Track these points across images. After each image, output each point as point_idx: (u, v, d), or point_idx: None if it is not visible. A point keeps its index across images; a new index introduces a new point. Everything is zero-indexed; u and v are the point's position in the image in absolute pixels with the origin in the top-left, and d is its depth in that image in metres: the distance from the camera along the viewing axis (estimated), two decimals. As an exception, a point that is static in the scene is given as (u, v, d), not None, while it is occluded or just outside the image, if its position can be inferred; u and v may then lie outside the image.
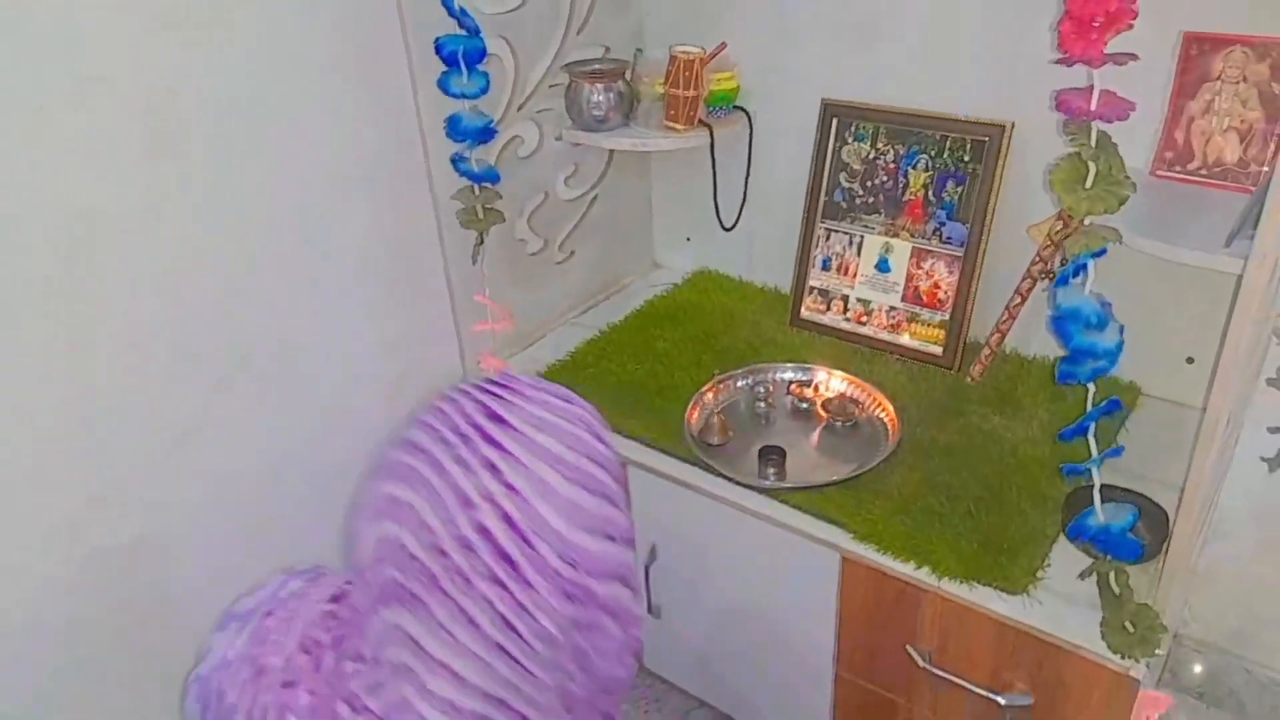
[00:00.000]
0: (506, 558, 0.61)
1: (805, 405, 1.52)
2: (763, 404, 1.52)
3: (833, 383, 1.53)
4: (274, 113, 1.27)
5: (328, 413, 1.45)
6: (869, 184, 1.60)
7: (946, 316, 1.55)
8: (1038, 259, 1.42)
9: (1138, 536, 1.06)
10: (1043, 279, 1.43)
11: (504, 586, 0.61)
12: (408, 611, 0.62)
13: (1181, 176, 1.29)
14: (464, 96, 1.36)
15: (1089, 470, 1.00)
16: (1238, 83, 1.23)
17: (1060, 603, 1.13)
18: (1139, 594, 1.07)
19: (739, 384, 1.56)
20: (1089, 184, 0.87)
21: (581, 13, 1.63)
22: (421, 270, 1.55)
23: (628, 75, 1.65)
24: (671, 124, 1.63)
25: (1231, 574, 1.58)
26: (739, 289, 1.88)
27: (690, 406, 1.49)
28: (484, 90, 1.37)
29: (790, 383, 1.55)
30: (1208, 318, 1.37)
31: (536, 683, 0.64)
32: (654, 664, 1.72)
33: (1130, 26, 0.82)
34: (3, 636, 1.15)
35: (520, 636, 0.62)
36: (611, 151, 1.80)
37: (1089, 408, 0.97)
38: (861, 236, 1.62)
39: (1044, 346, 1.55)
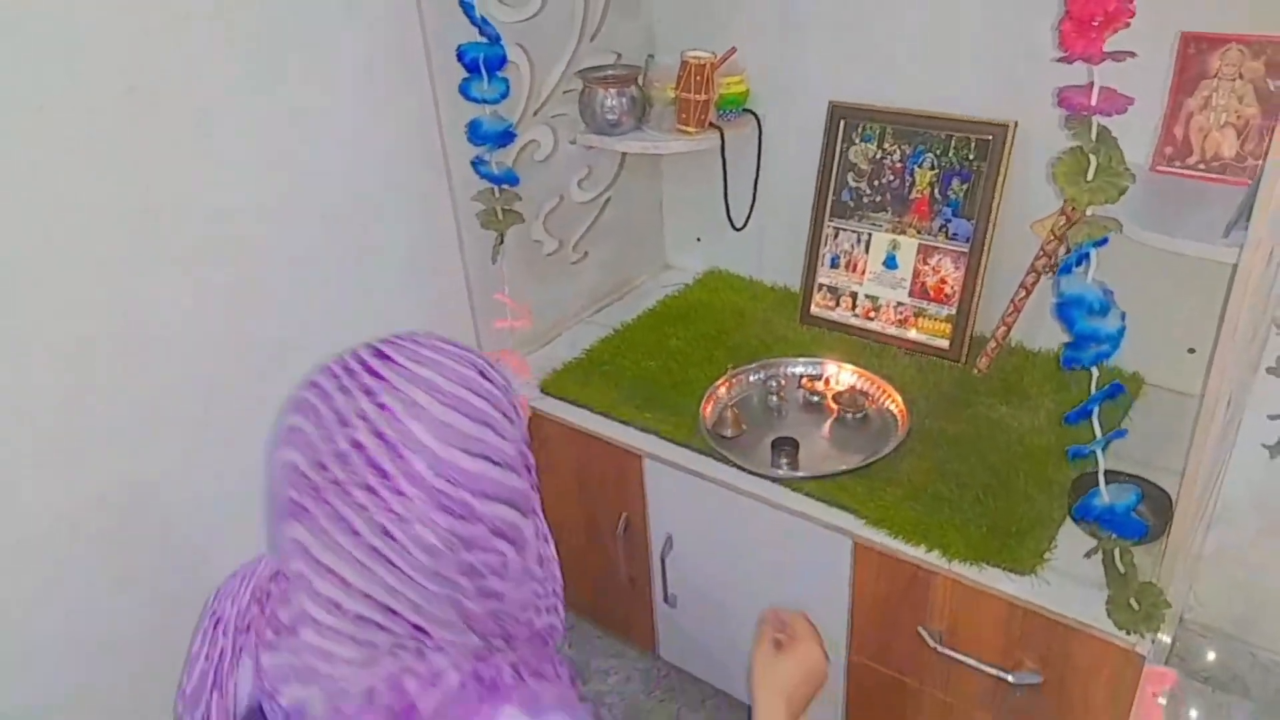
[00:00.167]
0: (378, 468, 0.67)
1: (816, 398, 1.56)
2: (775, 397, 1.56)
3: (843, 376, 1.57)
4: (296, 118, 1.32)
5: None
6: (876, 183, 1.64)
7: (953, 311, 1.59)
8: (1041, 253, 1.46)
9: (1141, 518, 1.11)
10: (1046, 273, 1.47)
11: (377, 494, 0.67)
12: (300, 524, 0.69)
13: (1181, 171, 1.33)
14: (484, 101, 1.41)
15: (1094, 452, 1.04)
16: (1234, 80, 1.27)
17: (1067, 583, 1.17)
18: (1143, 574, 1.11)
19: (751, 378, 1.60)
20: (1090, 176, 0.91)
21: (594, 21, 1.68)
22: (441, 270, 1.60)
23: (640, 80, 1.70)
24: (683, 127, 1.67)
25: (1235, 560, 1.61)
26: (749, 288, 1.92)
27: (704, 400, 1.53)
28: (504, 95, 1.42)
29: (801, 377, 1.59)
30: (1208, 309, 1.41)
31: (424, 593, 0.69)
32: (670, 654, 1.75)
33: (1128, 25, 0.86)
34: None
35: (398, 543, 0.67)
36: (624, 155, 1.85)
37: (1093, 391, 1.01)
38: (869, 234, 1.67)
39: (1049, 339, 1.59)
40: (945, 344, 1.60)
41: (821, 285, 1.73)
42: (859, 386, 1.55)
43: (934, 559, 1.23)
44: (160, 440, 1.27)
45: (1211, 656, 1.71)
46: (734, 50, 1.65)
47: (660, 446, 1.49)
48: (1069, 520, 1.25)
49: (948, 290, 1.59)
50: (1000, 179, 1.50)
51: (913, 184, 1.60)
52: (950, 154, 1.55)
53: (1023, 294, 1.50)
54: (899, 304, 1.65)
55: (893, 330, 1.66)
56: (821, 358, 1.61)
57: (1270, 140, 1.21)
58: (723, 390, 1.56)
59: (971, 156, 1.53)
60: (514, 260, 1.66)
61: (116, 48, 1.11)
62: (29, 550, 1.16)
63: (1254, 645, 1.67)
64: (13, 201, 1.06)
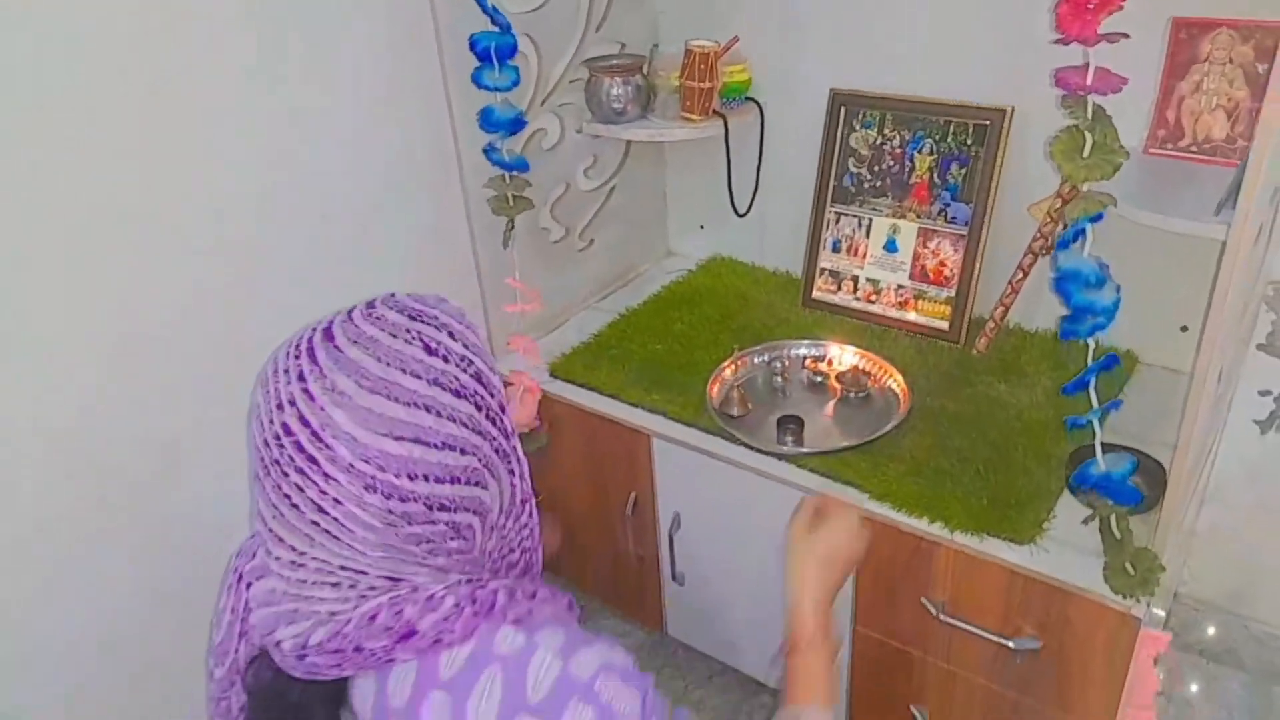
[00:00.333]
0: (305, 453, 0.70)
1: (820, 379, 1.59)
2: (779, 378, 1.60)
3: (845, 357, 1.61)
4: (311, 107, 1.35)
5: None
6: (876, 169, 1.68)
7: (952, 293, 1.63)
8: (1038, 235, 1.50)
9: (1137, 488, 1.15)
10: (1043, 254, 1.51)
11: (308, 477, 0.70)
12: (259, 492, 0.74)
13: (1174, 154, 1.37)
14: (496, 90, 1.44)
15: (1090, 422, 1.08)
16: (1224, 64, 1.31)
17: (1065, 550, 1.21)
18: (1138, 542, 1.14)
19: (756, 360, 1.64)
20: (1086, 153, 0.95)
21: (600, 11, 1.72)
22: (453, 256, 1.64)
23: (645, 69, 1.74)
24: (688, 115, 1.71)
25: (1229, 535, 1.65)
26: (752, 273, 1.96)
27: (711, 381, 1.56)
28: (515, 83, 1.45)
29: (805, 358, 1.63)
30: (1201, 289, 1.44)
31: (375, 559, 0.72)
32: (677, 631, 1.79)
33: (1121, 8, 0.90)
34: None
35: (338, 521, 0.70)
36: (629, 143, 1.89)
37: (1089, 363, 1.04)
38: (870, 219, 1.71)
39: (1046, 320, 1.63)
40: (945, 325, 1.64)
41: (823, 269, 1.77)
42: (861, 367, 1.59)
43: (936, 530, 1.27)
44: (160, 439, 1.29)
45: (1206, 630, 1.75)
46: (737, 39, 1.69)
47: (668, 426, 1.53)
48: (1066, 492, 1.29)
49: (947, 273, 1.63)
50: (998, 163, 1.54)
51: (912, 169, 1.64)
52: (949, 139, 1.59)
53: (1020, 275, 1.54)
54: (899, 287, 1.69)
55: (893, 313, 1.70)
56: (824, 340, 1.65)
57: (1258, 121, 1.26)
58: (728, 371, 1.60)
59: (969, 141, 1.57)
60: (523, 247, 1.69)
61: (119, 43, 1.12)
62: (29, 550, 1.18)
63: (1247, 618, 1.71)
64: (13, 201, 1.07)
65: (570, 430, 1.67)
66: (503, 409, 0.78)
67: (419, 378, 0.72)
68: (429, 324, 0.75)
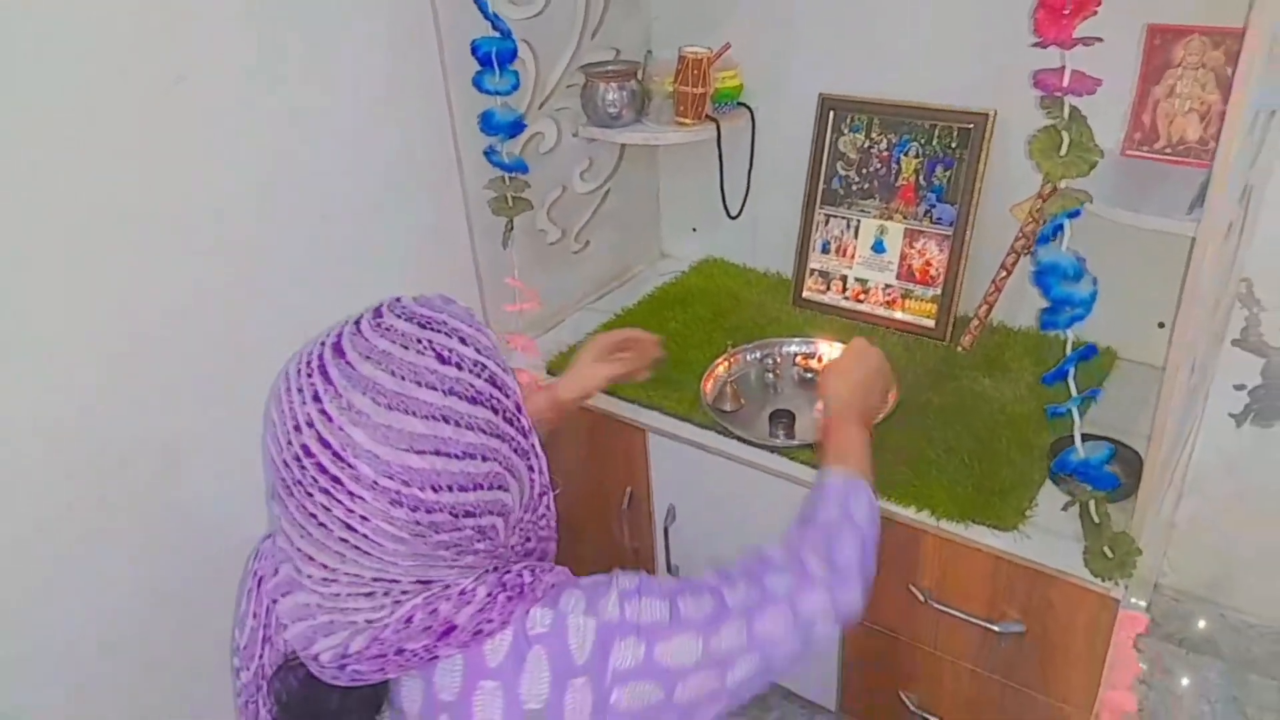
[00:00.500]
0: (328, 473, 0.69)
1: (810, 375, 1.64)
2: (771, 375, 1.64)
3: (835, 354, 1.65)
4: (311, 107, 1.37)
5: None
6: (864, 171, 1.73)
7: (938, 292, 1.68)
8: (1020, 235, 1.55)
9: (1115, 475, 1.19)
10: (1025, 253, 1.56)
11: (333, 496, 0.70)
12: (282, 509, 0.74)
13: (1149, 155, 1.42)
14: (497, 93, 1.49)
15: (1070, 410, 1.13)
16: (1197, 69, 1.36)
17: (1047, 537, 1.25)
18: (1117, 528, 1.19)
19: (749, 357, 1.68)
20: (1063, 151, 1.00)
21: (595, 18, 1.76)
22: (453, 256, 1.67)
23: (639, 75, 1.78)
24: (681, 119, 1.76)
25: (1207, 527, 1.70)
26: (743, 274, 2.00)
27: (704, 378, 1.60)
28: (515, 87, 1.50)
29: (796, 355, 1.68)
30: (1176, 287, 1.50)
31: (407, 568, 0.73)
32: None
33: (1095, 13, 0.95)
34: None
35: (366, 537, 0.70)
36: (623, 147, 1.93)
37: (1068, 353, 1.09)
38: (858, 220, 1.75)
39: (1029, 317, 1.68)
40: (931, 323, 1.69)
41: (813, 270, 1.82)
42: (850, 363, 1.63)
43: (923, 518, 1.31)
44: (161, 440, 1.29)
45: (1186, 620, 1.80)
46: (729, 46, 1.74)
47: (663, 421, 1.57)
48: (1048, 481, 1.34)
49: (933, 272, 1.68)
50: (981, 165, 1.59)
51: (899, 172, 1.69)
52: (934, 142, 1.64)
53: (1003, 274, 1.59)
54: (887, 286, 1.74)
55: (881, 311, 1.75)
56: (815, 337, 1.69)
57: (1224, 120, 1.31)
58: (722, 368, 1.64)
59: (954, 144, 1.62)
60: (520, 249, 1.73)
61: (119, 43, 1.13)
62: (29, 550, 1.18)
63: (1225, 607, 1.76)
64: (13, 201, 1.07)
65: (567, 426, 1.70)
66: (519, 408, 0.78)
67: (435, 389, 0.71)
68: (439, 331, 0.75)
